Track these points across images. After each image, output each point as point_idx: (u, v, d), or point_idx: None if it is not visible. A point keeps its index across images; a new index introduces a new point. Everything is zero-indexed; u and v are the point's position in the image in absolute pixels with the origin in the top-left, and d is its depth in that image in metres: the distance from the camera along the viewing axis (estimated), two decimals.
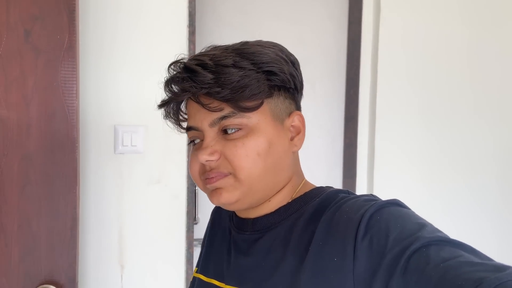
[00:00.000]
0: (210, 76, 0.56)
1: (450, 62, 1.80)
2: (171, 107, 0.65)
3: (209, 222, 0.80)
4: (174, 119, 0.66)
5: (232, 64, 0.56)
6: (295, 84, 0.63)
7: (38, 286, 1.12)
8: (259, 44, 0.61)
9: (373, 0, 1.78)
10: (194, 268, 0.77)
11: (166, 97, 0.62)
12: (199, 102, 0.58)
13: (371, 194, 0.60)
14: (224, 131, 0.59)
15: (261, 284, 0.59)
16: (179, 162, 1.47)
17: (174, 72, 0.60)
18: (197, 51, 1.55)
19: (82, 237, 1.35)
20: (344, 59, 1.87)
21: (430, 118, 1.80)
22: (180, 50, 1.45)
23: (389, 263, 0.47)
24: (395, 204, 0.54)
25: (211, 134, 0.59)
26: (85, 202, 1.37)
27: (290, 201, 0.63)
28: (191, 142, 0.64)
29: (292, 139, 0.63)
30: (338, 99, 1.88)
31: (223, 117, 0.58)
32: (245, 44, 0.61)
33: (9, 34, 1.08)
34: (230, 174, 0.58)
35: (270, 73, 0.59)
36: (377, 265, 0.48)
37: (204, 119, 0.59)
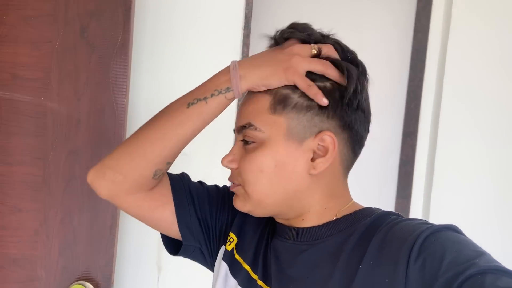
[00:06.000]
0: None
1: None
2: None
3: None
4: None
5: None
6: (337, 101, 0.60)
7: (74, 282, 1.12)
8: None
9: (443, 7, 1.64)
10: (231, 235, 0.72)
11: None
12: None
13: (425, 220, 0.58)
14: (245, 143, 0.62)
15: None
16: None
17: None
18: (251, 54, 1.52)
19: (123, 236, 1.34)
20: (407, 69, 1.74)
21: (502, 140, 1.63)
22: (233, 52, 1.41)
23: (441, 286, 0.45)
24: (452, 229, 0.52)
25: (237, 141, 0.64)
26: None
27: (339, 217, 0.61)
28: None
29: (313, 160, 0.59)
30: (397, 112, 1.75)
31: (243, 127, 0.62)
32: None
33: (66, 29, 1.10)
34: (240, 185, 0.62)
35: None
36: (429, 287, 0.46)
37: (236, 124, 0.65)
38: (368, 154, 1.74)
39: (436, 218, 1.61)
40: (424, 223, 0.54)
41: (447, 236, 0.50)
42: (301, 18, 1.79)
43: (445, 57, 1.63)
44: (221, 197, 0.75)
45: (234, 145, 0.64)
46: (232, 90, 0.61)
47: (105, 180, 0.66)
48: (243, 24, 1.42)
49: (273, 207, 0.62)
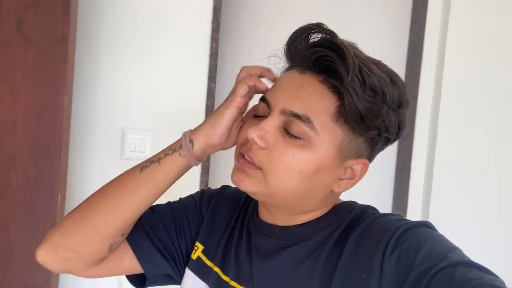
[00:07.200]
0: (356, 81, 0.52)
1: None
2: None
3: (216, 197, 0.73)
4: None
5: (375, 86, 0.53)
6: (383, 133, 0.57)
7: None
8: (392, 75, 0.57)
9: None
10: (197, 244, 0.70)
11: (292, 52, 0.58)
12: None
13: (399, 214, 0.59)
14: (285, 130, 0.56)
15: None
16: (190, 173, 1.30)
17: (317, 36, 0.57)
18: (220, 50, 1.38)
19: None
20: (403, 65, 1.58)
21: (505, 143, 1.44)
22: (201, 48, 1.29)
23: (414, 279, 0.48)
24: (427, 226, 0.55)
25: (275, 120, 0.56)
26: None
27: (322, 214, 0.62)
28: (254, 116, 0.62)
29: (341, 179, 0.59)
30: None
31: (296, 115, 0.54)
32: (386, 66, 0.57)
33: (0, 22, 1.00)
34: (261, 170, 0.56)
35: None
36: (403, 280, 0.49)
37: (281, 101, 0.56)
38: None
39: None
40: (400, 219, 0.56)
41: (421, 232, 0.53)
42: (283, 9, 1.61)
43: (444, 51, 1.46)
44: (183, 212, 0.71)
45: (268, 121, 0.56)
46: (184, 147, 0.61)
47: (58, 259, 0.63)
48: (212, 17, 1.30)
49: (281, 201, 0.59)
